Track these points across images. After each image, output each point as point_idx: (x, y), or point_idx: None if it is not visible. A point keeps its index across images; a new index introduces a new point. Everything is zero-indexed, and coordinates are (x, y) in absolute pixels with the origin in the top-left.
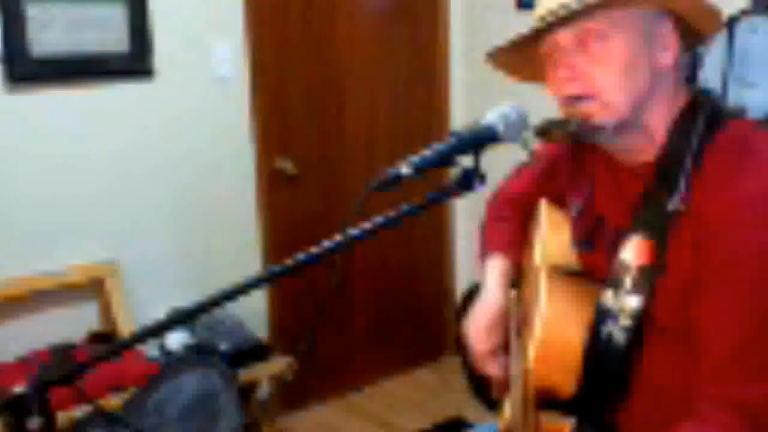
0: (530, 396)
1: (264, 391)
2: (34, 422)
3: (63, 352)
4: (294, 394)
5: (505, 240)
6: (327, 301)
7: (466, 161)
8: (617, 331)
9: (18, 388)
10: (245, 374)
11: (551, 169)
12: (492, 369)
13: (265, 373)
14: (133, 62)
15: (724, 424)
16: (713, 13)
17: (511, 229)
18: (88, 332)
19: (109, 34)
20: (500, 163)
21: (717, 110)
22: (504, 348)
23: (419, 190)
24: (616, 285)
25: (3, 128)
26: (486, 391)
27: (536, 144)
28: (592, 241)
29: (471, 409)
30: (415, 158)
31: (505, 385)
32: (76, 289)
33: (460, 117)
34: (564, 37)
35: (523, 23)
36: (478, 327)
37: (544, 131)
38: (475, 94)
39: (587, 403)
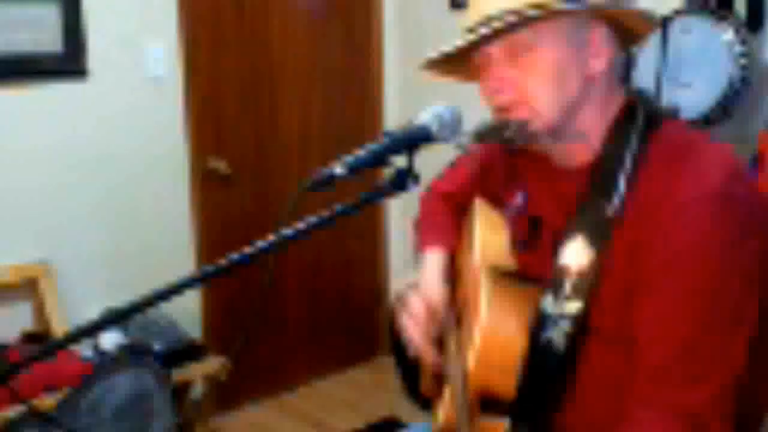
0: (471, 397)
1: (197, 391)
2: None
3: None
4: (227, 394)
5: (441, 235)
6: (260, 301)
7: (399, 161)
8: (557, 336)
9: None
10: (179, 374)
11: (485, 169)
12: (430, 358)
13: (199, 373)
14: (67, 62)
15: (664, 427)
16: (645, 17)
17: (446, 225)
18: (21, 332)
19: (42, 34)
20: (434, 163)
21: (653, 112)
22: (437, 344)
23: (353, 190)
24: (555, 290)
25: None
26: (418, 392)
27: (470, 144)
28: (529, 241)
29: (405, 409)
30: (348, 158)
31: (436, 384)
32: (9, 289)
33: (394, 117)
34: (494, 49)
35: (457, 23)
36: (418, 314)
37: (481, 136)
38: (409, 93)
39: (526, 405)
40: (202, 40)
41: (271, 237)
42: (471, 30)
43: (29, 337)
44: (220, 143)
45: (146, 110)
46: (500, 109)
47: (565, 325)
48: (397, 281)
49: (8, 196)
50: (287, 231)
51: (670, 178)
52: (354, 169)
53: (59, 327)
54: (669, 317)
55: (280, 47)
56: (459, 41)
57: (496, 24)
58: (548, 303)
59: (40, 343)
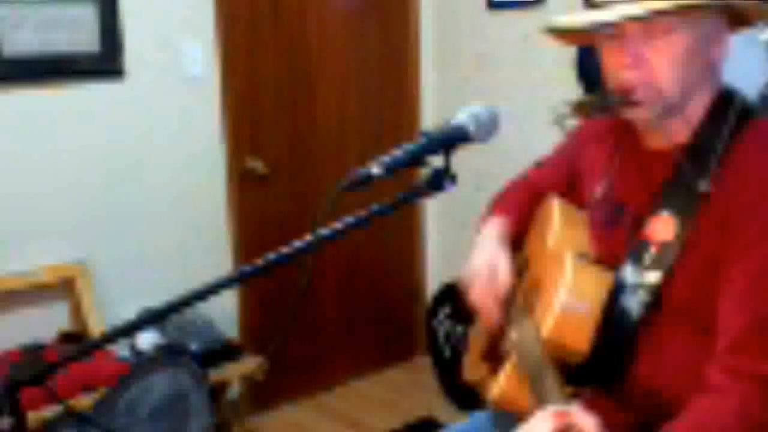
0: (545, 362)
1: (234, 391)
2: (5, 422)
3: (33, 353)
4: (264, 394)
5: (512, 212)
6: (297, 301)
7: (436, 161)
8: (633, 305)
9: None
10: (215, 374)
11: (578, 151)
12: (492, 316)
13: (236, 373)
14: (104, 62)
15: (743, 394)
16: (763, 6)
17: (520, 209)
18: (58, 332)
19: (79, 34)
20: (471, 164)
21: (746, 105)
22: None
23: (390, 190)
24: (635, 260)
25: None
26: (456, 389)
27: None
28: (611, 223)
29: (441, 409)
30: (385, 158)
31: (488, 362)
32: (46, 289)
33: (431, 117)
34: (631, 27)
35: (493, 23)
36: (482, 275)
37: (582, 105)
38: (446, 94)
39: (593, 371)
40: (239, 39)
41: (308, 237)
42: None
43: (66, 337)
44: (257, 143)
45: (183, 110)
46: (622, 85)
47: (643, 295)
48: (433, 281)
49: (45, 197)
50: (324, 231)
51: (763, 163)
52: (391, 169)
53: (96, 327)
54: (751, 289)
55: (316, 47)
56: (605, 13)
57: (660, 4)
58: (628, 272)
59: (77, 343)
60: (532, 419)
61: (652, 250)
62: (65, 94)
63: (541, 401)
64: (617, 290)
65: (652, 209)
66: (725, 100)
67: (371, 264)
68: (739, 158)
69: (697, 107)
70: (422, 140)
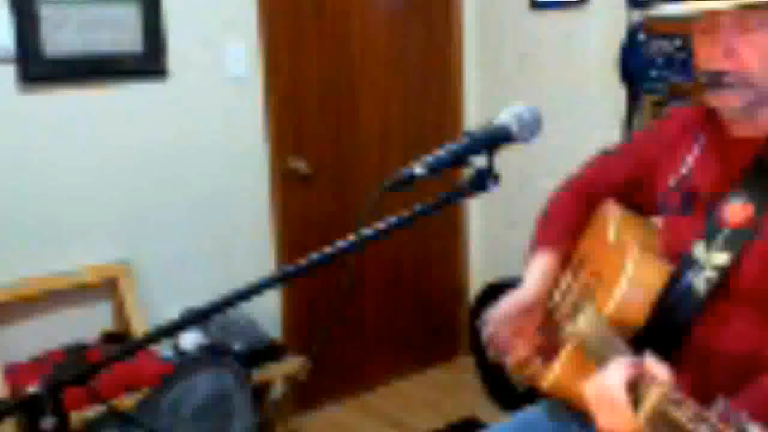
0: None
1: (277, 391)
2: (48, 422)
3: (76, 352)
4: (307, 394)
5: (556, 236)
6: (340, 301)
7: (479, 161)
8: (699, 281)
9: (32, 388)
10: (259, 374)
11: (655, 139)
12: (517, 351)
13: (279, 373)
14: (147, 62)
15: None
16: None
17: (566, 224)
18: (101, 332)
19: (122, 34)
20: (514, 164)
21: None
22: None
23: (433, 189)
24: (708, 239)
25: (17, 128)
26: (500, 391)
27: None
28: (685, 209)
29: (485, 409)
30: (428, 158)
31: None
32: (89, 289)
33: (474, 117)
34: (725, 14)
35: (536, 23)
36: (505, 310)
37: (676, 86)
38: (489, 93)
39: (654, 341)
40: (282, 39)
41: (351, 237)
42: None
43: (109, 337)
44: (300, 143)
45: (226, 110)
46: (713, 75)
47: (710, 274)
48: (476, 281)
49: (88, 197)
50: (367, 231)
51: None
52: (434, 169)
53: (139, 327)
54: None
55: (360, 47)
56: (697, 3)
57: None
58: (699, 249)
59: (120, 342)
60: (606, 369)
61: (726, 232)
62: (108, 95)
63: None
64: (685, 265)
65: (730, 195)
66: None
67: (414, 264)
68: None
69: None
70: (465, 140)
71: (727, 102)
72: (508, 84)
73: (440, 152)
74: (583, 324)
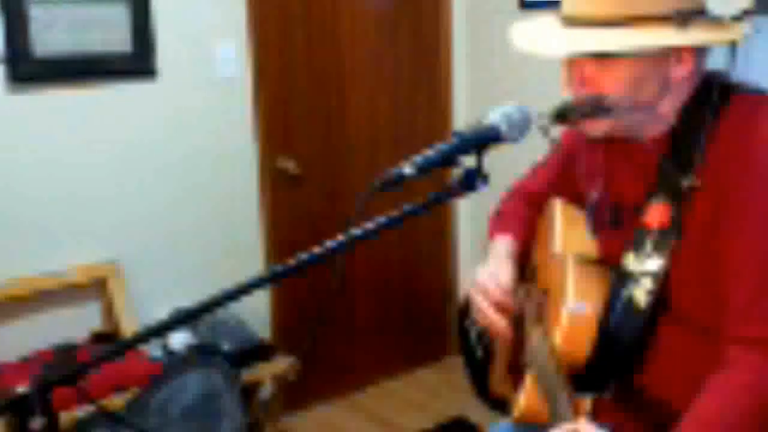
0: (563, 374)
1: (266, 391)
2: (37, 422)
3: (65, 352)
4: (297, 394)
5: (511, 227)
6: (329, 300)
7: (468, 161)
8: (639, 294)
9: (21, 388)
10: (248, 374)
11: (568, 159)
12: (503, 328)
13: (268, 373)
14: (136, 62)
15: (753, 365)
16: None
17: (518, 219)
18: (90, 332)
19: (112, 34)
20: (503, 163)
21: (725, 87)
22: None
23: (422, 189)
24: (637, 248)
25: (6, 129)
26: (488, 391)
27: (560, 131)
28: (612, 223)
29: (474, 409)
30: (417, 158)
31: (510, 377)
32: (78, 289)
33: (463, 117)
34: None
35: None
36: (486, 288)
37: (561, 114)
38: (478, 94)
39: (605, 369)
40: (271, 40)
41: (340, 237)
42: (570, 20)
43: (98, 337)
44: (289, 143)
45: (215, 110)
46: (575, 103)
47: (648, 283)
48: (465, 281)
49: (78, 196)
50: (356, 231)
51: (746, 141)
52: (423, 170)
53: (128, 327)
54: (748, 260)
55: (349, 47)
56: (554, 40)
57: (610, 44)
58: (630, 261)
59: (109, 343)
60: None
61: (652, 237)
62: (97, 95)
63: (554, 414)
64: (622, 280)
65: (649, 196)
66: (706, 88)
67: (403, 264)
68: (724, 134)
69: (670, 110)
70: (454, 140)
71: (602, 127)
72: (498, 84)
73: (429, 152)
74: (532, 354)
